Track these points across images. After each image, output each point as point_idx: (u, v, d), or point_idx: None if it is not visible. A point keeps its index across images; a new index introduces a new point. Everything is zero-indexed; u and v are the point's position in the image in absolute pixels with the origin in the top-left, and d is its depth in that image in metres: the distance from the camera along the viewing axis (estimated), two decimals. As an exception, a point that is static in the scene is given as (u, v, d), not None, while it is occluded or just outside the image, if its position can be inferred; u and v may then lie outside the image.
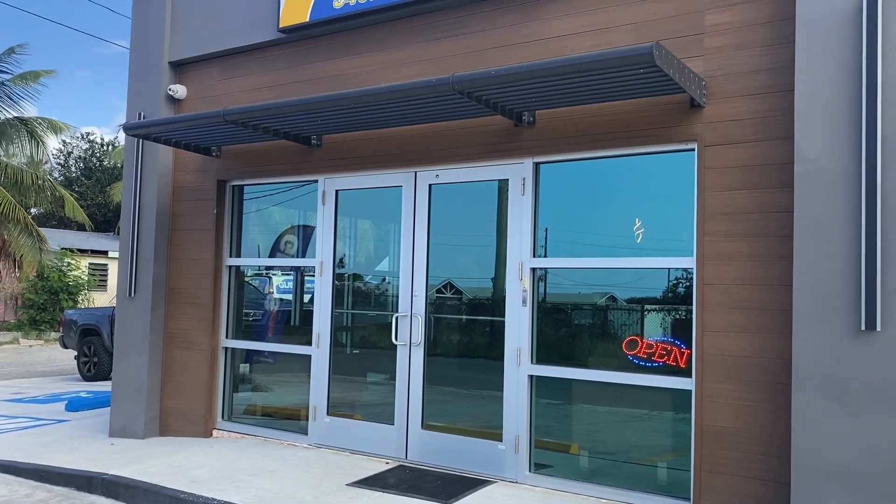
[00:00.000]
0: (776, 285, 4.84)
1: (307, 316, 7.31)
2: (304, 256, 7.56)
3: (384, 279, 7.23)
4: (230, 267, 7.80)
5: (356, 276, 7.40)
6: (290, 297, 8.03)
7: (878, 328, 4.33)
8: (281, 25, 7.03)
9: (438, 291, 6.57)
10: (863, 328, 4.37)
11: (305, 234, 7.69)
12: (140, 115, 7.87)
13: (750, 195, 4.99)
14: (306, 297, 7.54)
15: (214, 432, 7.61)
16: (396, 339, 6.51)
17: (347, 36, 6.89)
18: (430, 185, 6.46)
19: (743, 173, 5.02)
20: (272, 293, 8.34)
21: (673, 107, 5.28)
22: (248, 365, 7.95)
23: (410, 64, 6.50)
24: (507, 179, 6.03)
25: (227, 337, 7.74)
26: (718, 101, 5.12)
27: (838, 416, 4.44)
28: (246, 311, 8.05)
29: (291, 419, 7.32)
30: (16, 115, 21.12)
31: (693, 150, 5.26)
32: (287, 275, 8.00)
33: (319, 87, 6.93)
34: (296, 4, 6.90)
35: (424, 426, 6.36)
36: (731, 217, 5.05)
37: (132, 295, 7.83)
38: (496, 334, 6.09)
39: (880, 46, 4.39)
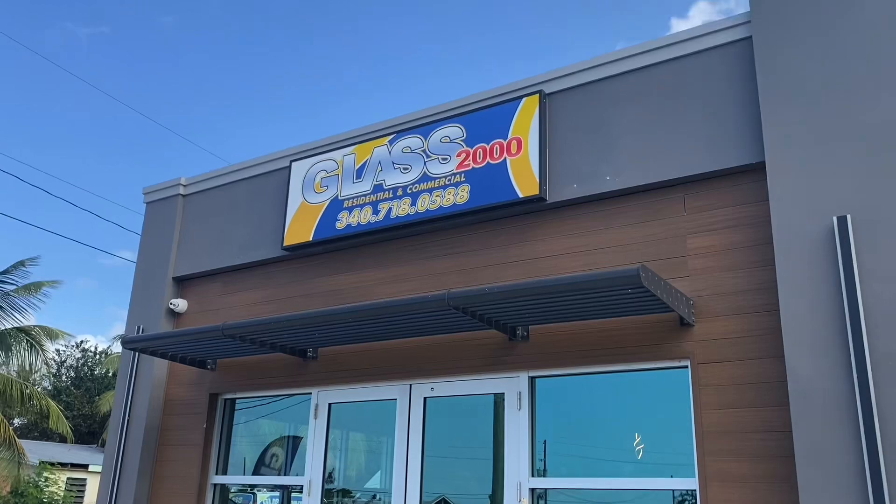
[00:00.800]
0: (784, 509, 4.65)
1: None
2: (288, 472, 7.30)
3: (375, 496, 6.92)
4: (215, 485, 7.49)
5: (345, 493, 7.09)
6: None
7: (896, 557, 4.12)
8: (285, 244, 7.35)
9: (433, 507, 6.28)
10: (879, 557, 4.15)
11: (292, 447, 7.48)
12: (139, 328, 7.98)
13: (748, 413, 4.95)
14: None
15: None
16: (387, 566, 6.11)
17: (347, 253, 7.20)
18: (424, 399, 6.41)
19: (738, 391, 5.03)
20: None
21: (664, 325, 5.41)
22: None
23: (407, 280, 6.73)
24: (503, 393, 6.01)
25: (207, 563, 7.25)
26: (707, 320, 5.26)
27: None
28: (228, 532, 7.61)
29: None
30: (16, 325, 21.30)
31: (686, 367, 5.31)
32: (273, 492, 7.66)
33: (318, 301, 7.11)
34: (301, 225, 7.28)
35: None
36: (730, 436, 4.98)
37: (110, 515, 7.44)
38: (495, 562, 5.73)
39: (856, 269, 4.60)
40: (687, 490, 5.19)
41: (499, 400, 6.07)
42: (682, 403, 5.28)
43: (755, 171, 5.30)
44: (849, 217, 4.71)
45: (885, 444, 4.29)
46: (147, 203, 8.76)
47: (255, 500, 8.05)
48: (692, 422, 5.16)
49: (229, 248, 7.90)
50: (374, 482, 7.01)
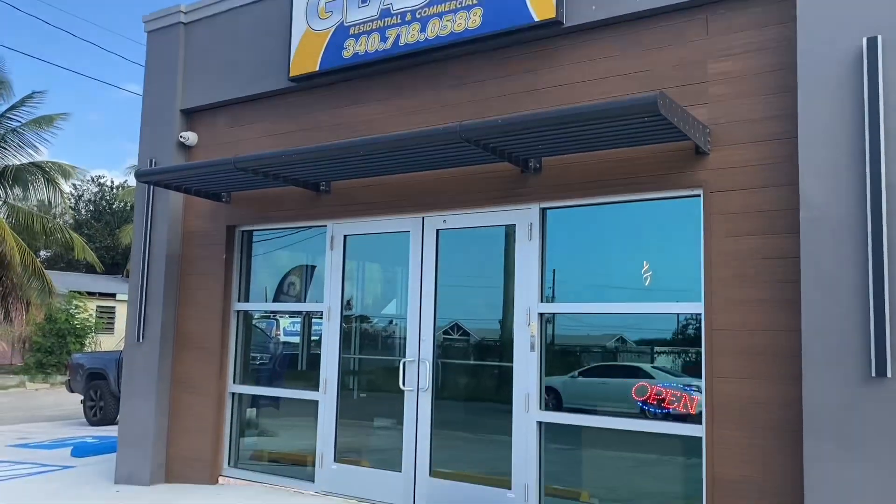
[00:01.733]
0: (786, 331, 4.82)
1: (314, 360, 7.31)
2: (306, 298, 7.60)
3: (391, 322, 7.23)
4: (238, 311, 7.82)
5: (363, 319, 7.41)
6: (296, 340, 8.03)
7: (889, 374, 4.31)
8: (291, 74, 7.16)
9: (446, 333, 6.57)
10: (873, 375, 4.35)
11: (308, 275, 7.73)
12: (152, 161, 7.98)
13: (757, 241, 5.01)
14: (313, 341, 7.56)
15: (220, 479, 7.55)
16: (404, 384, 6.49)
17: (355, 84, 7.02)
18: (437, 231, 6.51)
19: (749, 219, 5.05)
20: (279, 336, 8.36)
21: (678, 153, 5.34)
22: (254, 410, 7.93)
23: (418, 112, 6.60)
24: (514, 225, 6.07)
25: (234, 382, 7.72)
26: (723, 148, 5.18)
27: (850, 462, 4.39)
28: (253, 354, 8.06)
29: (298, 465, 7.26)
30: (30, 160, 21.41)
31: (699, 195, 5.30)
32: (294, 317, 8.01)
33: (327, 134, 7.03)
34: (306, 54, 7.05)
35: (432, 473, 6.30)
36: (738, 262, 5.07)
37: (140, 340, 7.84)
38: (504, 379, 6.07)
39: (881, 93, 4.46)
40: (692, 314, 5.36)
41: (510, 231, 6.16)
42: (692, 232, 5.32)
43: (784, -11, 4.99)
44: (879, 38, 4.49)
45: (892, 269, 4.36)
46: (148, 32, 8.46)
47: (277, 325, 8.45)
48: (701, 249, 5.23)
49: (236, 78, 7.71)
50: (390, 308, 7.29)
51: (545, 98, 5.92)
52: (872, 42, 4.50)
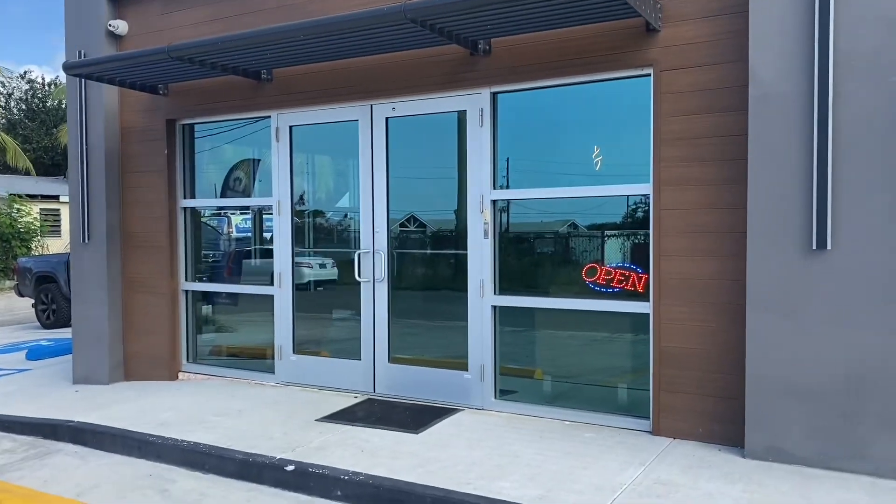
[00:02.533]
0: (731, 209, 4.91)
1: (267, 255, 7.26)
2: (254, 193, 7.46)
3: (345, 215, 7.16)
4: (185, 208, 7.65)
5: (316, 213, 7.32)
6: (249, 236, 7.94)
7: (829, 247, 4.46)
8: (224, -46, 6.71)
9: (401, 225, 6.55)
10: (814, 248, 4.49)
11: (254, 169, 7.55)
12: (81, 53, 7.53)
13: (705, 119, 5.01)
14: (265, 237, 7.48)
15: (180, 375, 7.61)
16: (360, 276, 6.51)
17: (294, -36, 6.62)
18: (386, 119, 6.36)
19: (698, 97, 5.03)
20: (232, 233, 8.24)
21: (629, 31, 5.22)
22: (210, 307, 7.90)
23: (362, -8, 6.29)
24: (465, 111, 5.95)
25: (186, 279, 7.65)
26: (674, 25, 5.08)
27: (790, 332, 4.59)
28: (205, 252, 7.95)
29: (257, 358, 7.34)
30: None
31: (649, 75, 5.24)
32: (245, 213, 7.88)
33: (268, 18, 6.68)
34: (238, -69, 6.58)
35: (391, 360, 6.43)
36: (686, 142, 5.08)
37: (86, 241, 7.65)
38: (459, 267, 6.12)
39: (833, -35, 4.37)
40: (641, 195, 5.40)
41: (462, 117, 6.04)
42: (643, 115, 5.29)
43: None
44: None
45: (836, 146, 4.42)
46: None
47: (229, 222, 8.31)
48: (650, 130, 5.22)
49: (163, -40, 7.21)
50: (343, 202, 7.19)
51: (493, -25, 5.67)
52: None
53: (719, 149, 4.95)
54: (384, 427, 5.58)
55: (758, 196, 4.67)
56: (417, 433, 5.43)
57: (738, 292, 4.87)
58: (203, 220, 7.88)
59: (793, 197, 4.56)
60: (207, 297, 7.78)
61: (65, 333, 11.50)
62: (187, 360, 7.65)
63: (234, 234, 8.14)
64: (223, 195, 7.75)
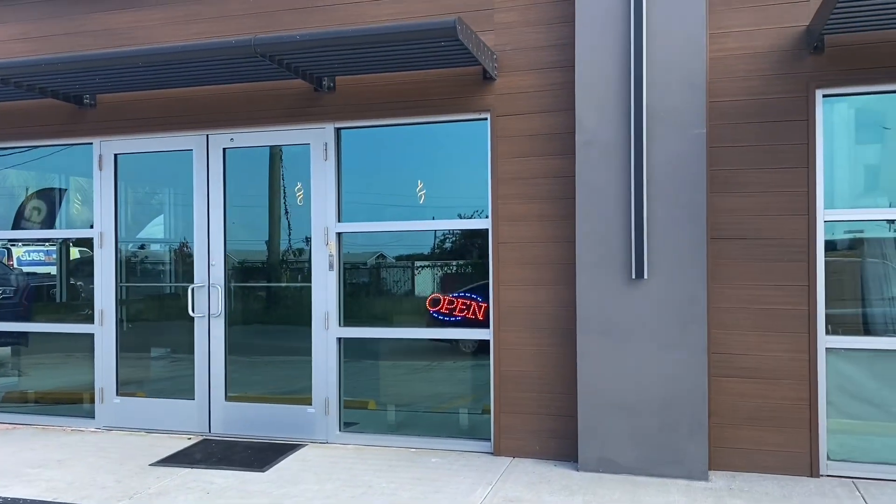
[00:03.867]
0: (562, 242, 5.40)
1: (73, 290, 6.80)
2: (53, 225, 6.97)
3: (179, 247, 6.82)
4: (-13, 241, 6.94)
5: (141, 245, 6.95)
6: (37, 269, 7.33)
7: (646, 276, 5.04)
8: (41, -30, 6.29)
9: (240, 258, 6.40)
10: (633, 277, 5.06)
11: (55, 199, 7.05)
12: None
13: (538, 161, 5.48)
14: (71, 270, 6.99)
15: (-24, 426, 6.82)
16: (193, 310, 6.27)
17: (123, -13, 6.35)
18: (224, 149, 6.24)
19: (531, 142, 5.49)
20: (12, 265, 7.57)
21: (467, 78, 5.60)
22: (8, 348, 7.18)
23: (199, 21, 6.18)
24: (309, 144, 6.01)
25: (-14, 319, 6.91)
26: (508, 74, 5.53)
27: (614, 353, 5.12)
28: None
29: (74, 403, 6.76)
30: None
31: (486, 119, 5.64)
32: (31, 245, 7.26)
33: (88, 41, 6.35)
34: (58, -53, 6.21)
35: (228, 398, 6.24)
36: (521, 181, 5.52)
37: None
38: (303, 299, 6.11)
39: (645, 30, 5.02)
40: (481, 229, 5.75)
41: (304, 151, 6.06)
42: (481, 153, 5.67)
43: (564, -76, 5.35)
44: (644, -21, 5.02)
45: (650, 186, 5.04)
46: None
47: (9, 255, 7.64)
48: (488, 169, 5.61)
49: (-34, -31, 6.59)
50: (171, 232, 6.85)
51: (334, 15, 5.85)
52: (638, -18, 5.02)
53: (551, 188, 5.44)
54: (227, 467, 5.41)
55: (585, 231, 5.19)
56: (264, 471, 5.32)
57: (570, 318, 5.35)
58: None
59: (615, 231, 5.12)
60: (16, 335, 7.06)
61: None
62: (-14, 409, 6.89)
63: (22, 269, 7.47)
64: (15, 226, 7.09)
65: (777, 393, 5.01)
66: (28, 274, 7.45)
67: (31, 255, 7.77)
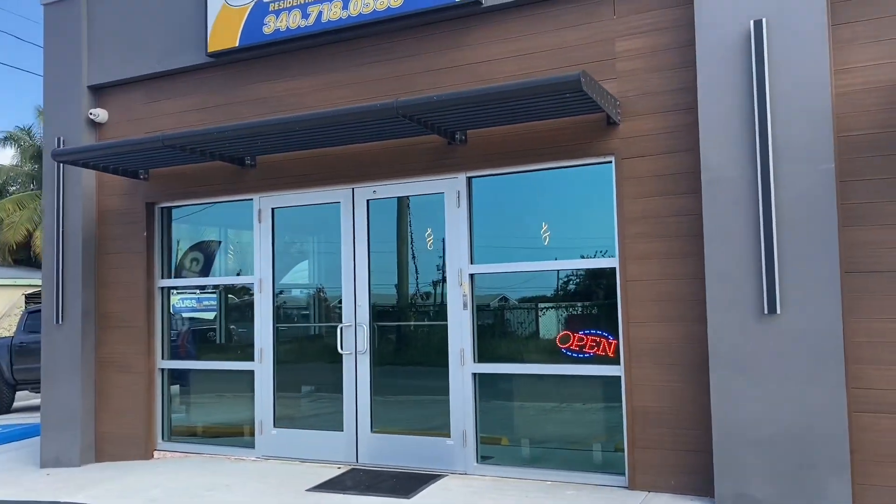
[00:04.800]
0: (690, 279, 5.52)
1: (232, 333, 7.66)
2: (212, 273, 7.77)
3: (324, 291, 7.43)
4: (163, 288, 7.85)
5: (296, 289, 7.64)
6: (193, 315, 8.11)
7: (779, 311, 5.08)
8: (210, 50, 7.19)
9: (381, 299, 6.92)
10: (766, 312, 5.11)
11: (210, 251, 7.88)
12: (60, 139, 7.79)
13: (663, 201, 5.66)
14: (232, 314, 7.76)
15: (155, 454, 7.64)
16: (342, 348, 6.82)
17: (277, 59, 7.14)
18: (367, 201, 6.82)
19: (656, 182, 5.69)
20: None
21: (592, 124, 5.89)
22: (182, 385, 8.01)
23: (341, 87, 6.84)
24: (443, 193, 6.48)
25: (163, 358, 7.78)
26: (632, 119, 5.77)
27: (749, 388, 5.15)
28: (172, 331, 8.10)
29: (235, 435, 7.46)
30: None
31: (611, 162, 5.89)
32: (185, 293, 8.04)
33: (250, 109, 7.15)
34: (224, 29, 7.09)
35: (373, 430, 6.70)
36: (647, 220, 5.71)
37: (60, 321, 7.73)
38: (439, 337, 6.51)
39: (767, 69, 5.15)
40: (609, 268, 5.96)
41: (439, 199, 6.51)
42: (606, 196, 5.92)
43: (682, -25, 5.59)
44: (764, 21, 5.17)
45: (779, 222, 5.11)
46: (45, 5, 8.15)
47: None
48: (614, 210, 5.84)
49: (148, 53, 7.63)
50: (324, 278, 7.43)
51: (466, 74, 6.31)
52: (758, 24, 5.18)
53: (678, 226, 5.59)
54: (375, 494, 5.83)
55: (714, 267, 5.30)
56: (409, 498, 5.70)
57: (701, 354, 5.43)
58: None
59: (745, 267, 5.20)
60: (182, 374, 7.90)
61: (6, 420, 11.22)
62: (163, 438, 7.70)
63: (183, 315, 8.26)
64: (177, 274, 7.96)
65: (925, 429, 4.87)
66: (189, 319, 8.30)
67: (185, 303, 8.60)
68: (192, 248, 8.14)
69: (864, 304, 5.03)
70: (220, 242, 8.09)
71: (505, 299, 6.58)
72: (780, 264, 5.09)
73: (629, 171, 5.78)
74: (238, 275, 7.66)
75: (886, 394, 4.96)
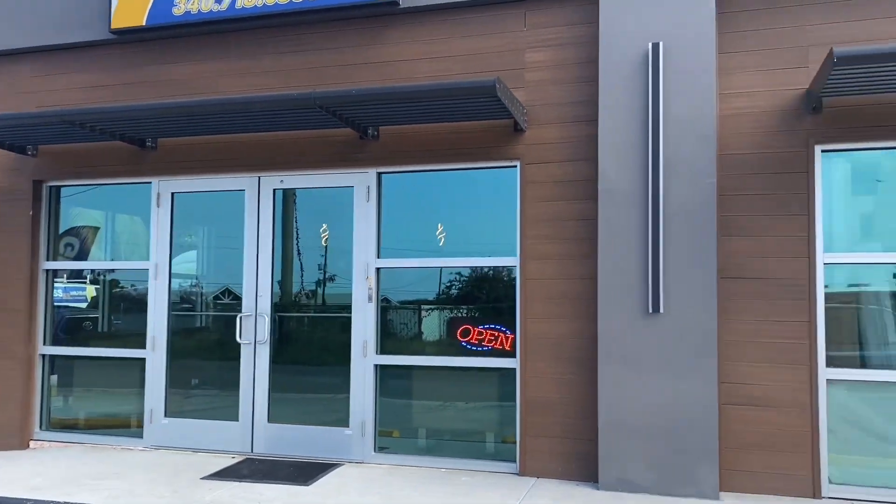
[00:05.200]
0: (585, 279, 5.92)
1: (117, 321, 7.49)
2: (86, 258, 7.61)
3: (224, 279, 7.31)
4: (47, 271, 7.49)
5: (191, 277, 7.48)
6: (67, 304, 7.82)
7: (661, 311, 5.55)
8: (113, 27, 6.96)
9: (283, 289, 6.92)
10: (650, 311, 5.56)
11: (86, 236, 7.64)
12: (-63, 107, 7.29)
13: (563, 205, 6.03)
14: (114, 303, 7.54)
15: (31, 443, 7.27)
16: (240, 337, 6.78)
17: (186, 41, 7.01)
18: (274, 190, 6.82)
19: (557, 187, 6.05)
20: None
21: (500, 130, 6.19)
22: (62, 372, 7.66)
23: (253, 74, 6.82)
24: (353, 187, 6.59)
25: (45, 343, 7.42)
26: (537, 127, 6.12)
27: (632, 381, 5.59)
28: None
29: (121, 427, 7.22)
30: None
31: (516, 166, 6.21)
32: (61, 280, 7.73)
33: (152, 90, 6.99)
34: (130, 7, 6.89)
35: (270, 420, 6.70)
36: (547, 223, 6.06)
37: (-72, 302, 7.22)
38: (343, 329, 6.60)
39: (661, 88, 5.62)
40: (509, 266, 6.27)
41: (347, 193, 6.62)
42: (511, 197, 6.23)
43: (590, -5, 6.00)
44: (661, 44, 5.64)
45: (666, 230, 5.58)
46: (-75, -38, 7.60)
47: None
48: (517, 212, 6.16)
49: (41, 24, 7.29)
50: (222, 269, 7.32)
51: (381, 72, 6.47)
52: (656, 47, 5.64)
53: (575, 230, 5.98)
54: (273, 482, 5.85)
55: (606, 268, 5.71)
56: (308, 485, 5.77)
57: (590, 349, 5.83)
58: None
59: (633, 270, 5.64)
60: (66, 362, 7.56)
61: None
62: (40, 427, 7.34)
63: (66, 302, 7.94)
64: (61, 257, 7.64)
65: (782, 420, 5.46)
66: (63, 307, 7.93)
67: (58, 291, 8.20)
68: (76, 230, 7.79)
69: (735, 307, 5.58)
70: (105, 226, 7.79)
71: (414, 292, 6.76)
72: (665, 268, 5.57)
73: (532, 175, 6.12)
74: (132, 259, 7.42)
75: (752, 388, 5.53)
